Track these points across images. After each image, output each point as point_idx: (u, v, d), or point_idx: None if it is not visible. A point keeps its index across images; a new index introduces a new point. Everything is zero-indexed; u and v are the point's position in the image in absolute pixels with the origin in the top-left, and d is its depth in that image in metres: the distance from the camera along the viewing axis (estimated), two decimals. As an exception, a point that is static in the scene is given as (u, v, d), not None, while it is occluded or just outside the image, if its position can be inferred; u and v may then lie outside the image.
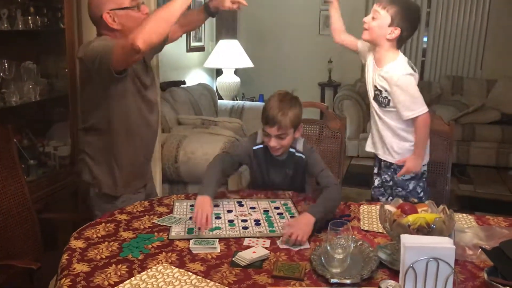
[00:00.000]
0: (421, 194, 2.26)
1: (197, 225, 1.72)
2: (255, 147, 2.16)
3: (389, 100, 2.20)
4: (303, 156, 2.10)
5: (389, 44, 2.19)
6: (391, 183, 2.32)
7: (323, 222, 1.71)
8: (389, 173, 2.31)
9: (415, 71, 2.20)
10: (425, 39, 6.20)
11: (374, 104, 2.28)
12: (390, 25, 2.14)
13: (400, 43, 2.21)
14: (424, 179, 2.29)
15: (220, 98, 5.31)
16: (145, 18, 1.90)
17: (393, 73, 2.15)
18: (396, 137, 2.25)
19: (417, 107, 2.15)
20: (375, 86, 2.24)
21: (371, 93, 2.29)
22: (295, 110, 2.01)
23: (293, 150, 2.12)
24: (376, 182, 2.42)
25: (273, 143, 2.00)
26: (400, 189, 2.28)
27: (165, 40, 2.18)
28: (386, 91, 2.19)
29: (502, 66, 5.87)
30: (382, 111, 2.25)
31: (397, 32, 2.15)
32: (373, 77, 2.27)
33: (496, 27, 5.94)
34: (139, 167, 2.21)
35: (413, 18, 2.21)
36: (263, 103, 2.15)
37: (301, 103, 2.08)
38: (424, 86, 5.97)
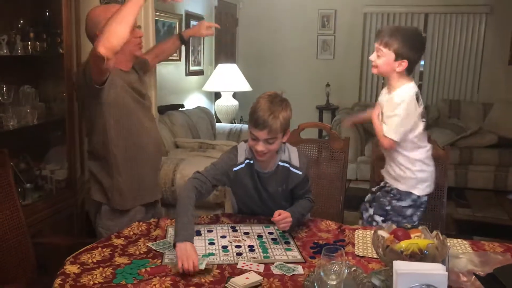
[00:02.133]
0: (416, 223, 2.23)
1: (186, 272, 1.59)
2: (235, 168, 2.02)
3: None
4: (300, 173, 2.02)
5: (399, 74, 2.19)
6: (389, 207, 2.30)
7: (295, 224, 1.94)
8: (388, 198, 2.30)
9: (419, 102, 2.21)
10: (422, 62, 6.27)
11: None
12: (396, 60, 2.14)
13: (409, 70, 2.19)
14: (422, 209, 2.27)
15: (219, 121, 5.34)
16: (107, 24, 1.92)
17: (395, 94, 2.18)
18: (400, 165, 2.25)
19: (394, 132, 2.15)
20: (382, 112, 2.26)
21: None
22: (285, 113, 1.91)
23: (287, 165, 2.02)
24: (367, 198, 2.43)
25: (260, 147, 1.90)
26: (398, 216, 2.27)
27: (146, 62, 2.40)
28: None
29: (498, 90, 5.93)
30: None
31: (404, 64, 2.14)
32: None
33: (492, 51, 6.02)
34: (145, 178, 2.26)
35: (417, 45, 2.20)
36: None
37: (290, 106, 1.97)
38: (421, 109, 6.02)
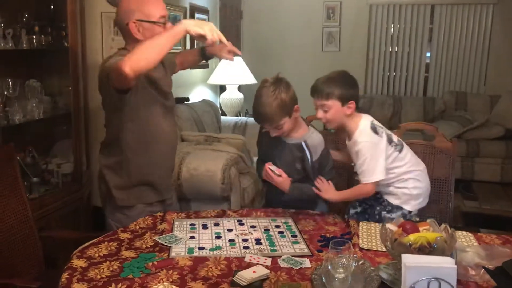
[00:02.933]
0: None
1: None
2: (263, 130, 2.19)
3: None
4: (310, 161, 2.08)
5: (349, 117, 2.11)
6: (377, 216, 2.23)
7: (292, 197, 2.09)
8: (378, 208, 2.24)
9: (379, 132, 2.11)
10: (428, 54, 6.23)
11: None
12: (343, 105, 2.06)
13: (356, 107, 2.13)
14: None
15: (224, 114, 5.32)
16: (138, 44, 1.90)
17: (355, 141, 2.09)
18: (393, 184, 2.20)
19: (371, 174, 2.06)
20: (354, 163, 2.18)
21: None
22: (279, 99, 1.97)
23: (304, 146, 2.09)
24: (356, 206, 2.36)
25: (273, 133, 2.08)
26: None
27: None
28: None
29: (506, 82, 5.86)
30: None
31: (352, 105, 2.07)
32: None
33: (499, 42, 5.95)
34: (153, 178, 2.19)
35: (352, 82, 2.13)
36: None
37: (288, 85, 2.04)
38: (427, 101, 5.98)
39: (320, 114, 2.11)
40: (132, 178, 2.14)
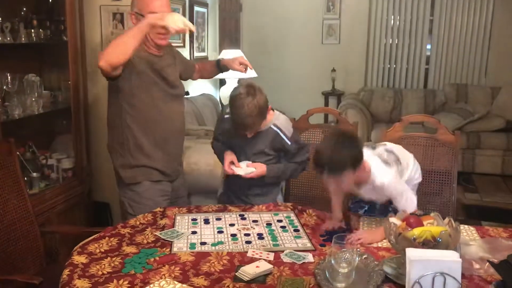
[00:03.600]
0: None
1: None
2: (226, 116, 2.21)
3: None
4: (289, 143, 2.17)
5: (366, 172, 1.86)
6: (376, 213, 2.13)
7: (270, 180, 2.21)
8: (377, 206, 2.14)
9: (389, 161, 1.95)
10: (428, 46, 6.20)
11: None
12: (355, 171, 1.76)
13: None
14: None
15: (224, 108, 5.30)
16: (113, 40, 2.04)
17: (381, 185, 1.86)
18: None
19: (414, 201, 1.89)
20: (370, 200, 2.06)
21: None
22: (257, 106, 2.02)
23: (278, 131, 2.17)
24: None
25: (250, 135, 2.14)
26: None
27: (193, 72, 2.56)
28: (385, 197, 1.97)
29: (506, 74, 5.83)
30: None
31: (365, 165, 1.81)
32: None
33: (500, 34, 5.92)
34: (154, 161, 2.27)
35: (355, 141, 1.82)
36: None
37: (260, 90, 2.07)
38: (428, 94, 5.96)
39: (332, 186, 1.92)
40: (134, 158, 2.25)
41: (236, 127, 2.11)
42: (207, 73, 2.70)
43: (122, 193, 2.32)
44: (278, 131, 2.17)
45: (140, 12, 2.14)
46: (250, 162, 2.18)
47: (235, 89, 2.10)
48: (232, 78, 5.28)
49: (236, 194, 2.31)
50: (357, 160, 1.74)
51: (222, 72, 2.66)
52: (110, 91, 2.25)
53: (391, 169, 1.92)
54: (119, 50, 1.97)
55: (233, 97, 2.07)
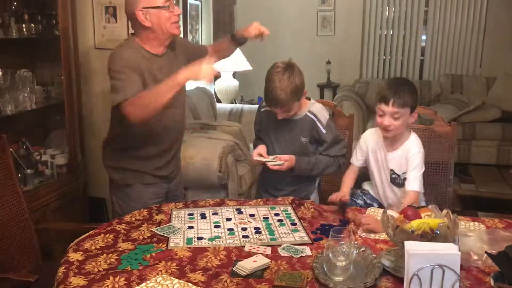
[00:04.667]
0: None
1: None
2: (263, 109, 2.24)
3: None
4: (324, 132, 2.15)
5: (406, 127, 2.10)
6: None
7: (300, 173, 2.16)
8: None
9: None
10: (423, 37, 6.18)
11: (392, 187, 2.17)
12: (410, 113, 2.03)
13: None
14: None
15: (219, 101, 5.27)
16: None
17: (409, 149, 2.07)
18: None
19: (421, 185, 2.07)
20: (392, 171, 2.13)
21: (386, 177, 2.17)
22: (294, 84, 2.03)
23: (314, 118, 2.15)
24: (360, 202, 2.29)
25: (280, 116, 2.13)
26: None
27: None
28: (404, 173, 2.10)
29: (501, 64, 5.83)
30: (401, 191, 2.15)
31: (416, 115, 2.06)
32: (384, 163, 2.16)
33: (494, 24, 5.91)
34: (153, 164, 2.22)
35: (417, 91, 2.09)
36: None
37: (299, 70, 2.08)
38: (423, 85, 5.95)
39: (387, 121, 2.01)
40: (126, 162, 2.20)
41: (268, 102, 2.10)
42: (224, 52, 2.52)
43: (112, 192, 2.28)
44: (314, 118, 2.16)
45: (152, 5, 2.03)
46: (280, 156, 2.13)
47: (273, 65, 2.10)
48: (227, 72, 5.25)
49: (268, 191, 2.29)
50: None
51: (240, 45, 2.51)
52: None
53: (422, 149, 2.09)
54: (152, 107, 1.91)
55: (270, 71, 2.08)
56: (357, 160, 2.25)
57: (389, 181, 2.17)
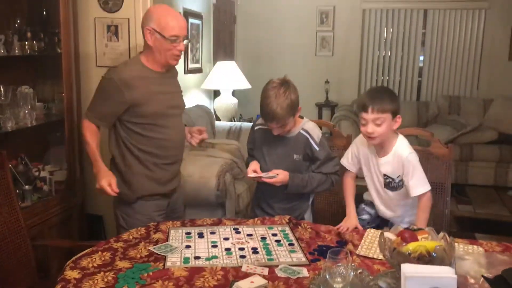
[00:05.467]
0: None
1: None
2: (256, 127, 2.29)
3: (403, 182, 2.14)
4: (318, 149, 2.18)
5: (393, 132, 2.14)
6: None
7: (293, 190, 2.18)
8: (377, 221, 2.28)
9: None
10: (421, 58, 6.25)
11: (386, 191, 2.20)
12: (393, 118, 2.07)
13: None
14: None
15: (218, 119, 5.30)
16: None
17: (400, 154, 2.11)
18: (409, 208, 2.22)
19: (425, 183, 2.11)
20: (385, 175, 2.17)
21: (379, 183, 2.20)
22: (290, 99, 2.07)
23: (307, 135, 2.19)
24: (365, 216, 2.33)
25: (276, 131, 2.15)
26: None
27: None
28: (398, 176, 2.14)
29: (498, 86, 5.90)
30: (395, 195, 2.19)
31: (399, 120, 2.09)
32: (376, 169, 2.19)
33: (491, 47, 5.99)
34: (152, 175, 2.27)
35: (397, 96, 2.15)
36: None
37: (294, 86, 2.12)
38: (421, 106, 6.00)
39: (370, 128, 2.05)
40: (130, 177, 2.25)
41: (264, 116, 2.13)
42: None
43: (116, 206, 2.32)
44: (307, 135, 2.19)
45: (160, 32, 2.12)
46: (274, 170, 2.17)
47: (269, 81, 2.14)
48: (226, 90, 5.29)
49: (261, 207, 2.32)
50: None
51: None
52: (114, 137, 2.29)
53: (412, 149, 2.14)
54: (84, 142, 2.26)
55: (266, 87, 2.12)
56: (347, 161, 2.29)
57: (383, 186, 2.19)
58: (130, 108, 2.16)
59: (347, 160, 2.29)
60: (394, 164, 2.13)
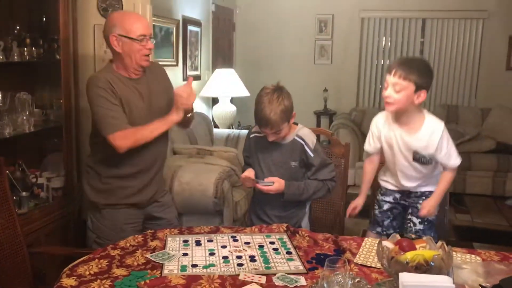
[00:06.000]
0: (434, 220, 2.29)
1: None
2: (252, 135, 2.29)
3: (431, 159, 2.18)
4: (312, 156, 2.18)
5: (417, 108, 2.13)
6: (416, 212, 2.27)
7: (290, 198, 2.18)
8: (423, 198, 2.27)
9: None
10: (419, 68, 6.26)
11: (415, 165, 2.21)
12: (416, 91, 2.05)
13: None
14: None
15: (216, 126, 5.30)
16: (139, 129, 2.15)
17: (434, 130, 2.13)
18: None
19: (458, 155, 2.18)
20: (415, 152, 2.17)
21: (406, 158, 2.20)
22: (283, 105, 2.08)
23: (302, 142, 2.19)
24: (386, 206, 2.36)
25: (270, 138, 2.16)
26: (414, 222, 2.27)
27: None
28: (430, 153, 2.16)
29: (496, 95, 5.92)
30: (426, 168, 2.23)
31: (423, 95, 2.07)
32: (405, 146, 2.19)
33: (489, 56, 6.02)
34: (130, 189, 2.28)
35: (430, 73, 2.13)
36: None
37: (288, 92, 2.13)
38: (419, 114, 6.00)
39: (388, 92, 2.06)
40: (103, 184, 2.29)
41: (259, 122, 2.13)
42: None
43: (88, 206, 2.36)
44: (302, 142, 2.19)
45: (127, 35, 2.14)
46: (269, 178, 2.17)
47: (262, 88, 2.16)
48: (225, 97, 5.30)
49: (258, 215, 2.31)
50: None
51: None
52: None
53: (442, 122, 2.18)
54: (143, 141, 2.14)
55: (260, 94, 2.13)
56: (370, 145, 2.32)
57: (412, 160, 2.19)
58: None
59: (369, 145, 2.33)
60: (427, 140, 2.13)
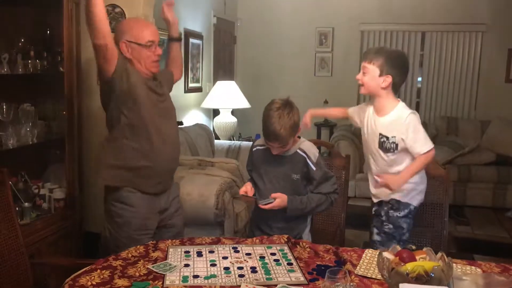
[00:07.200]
0: (406, 233, 2.34)
1: None
2: (255, 148, 2.31)
3: (396, 145, 2.26)
4: (314, 169, 2.19)
5: (386, 92, 2.29)
6: (384, 218, 2.37)
7: (293, 213, 2.18)
8: (385, 208, 2.37)
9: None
10: (419, 79, 6.31)
11: (379, 152, 2.33)
12: (380, 75, 2.26)
13: (395, 89, 2.31)
14: (411, 218, 2.36)
15: (217, 138, 5.33)
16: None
17: (400, 115, 2.25)
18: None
19: (426, 143, 2.24)
20: (380, 134, 2.31)
21: (374, 143, 2.34)
22: (292, 120, 2.11)
23: (304, 155, 2.21)
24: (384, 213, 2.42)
25: (275, 151, 2.18)
26: (390, 225, 2.34)
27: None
28: (393, 137, 2.26)
29: (496, 108, 5.95)
30: (388, 157, 2.31)
31: (388, 79, 2.26)
32: (373, 127, 2.34)
33: (489, 69, 6.06)
34: (142, 167, 2.30)
35: (400, 64, 2.32)
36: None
37: (297, 108, 2.17)
38: (419, 126, 6.03)
39: (359, 75, 2.32)
40: (123, 161, 2.28)
41: (268, 137, 2.15)
42: (175, 59, 2.68)
43: (107, 198, 2.34)
44: (304, 155, 2.21)
45: (136, 41, 2.22)
46: (272, 195, 2.18)
47: (271, 101, 2.18)
48: (226, 109, 5.33)
49: (260, 228, 2.32)
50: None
51: (178, 41, 2.68)
52: (109, 105, 2.28)
53: (412, 110, 2.30)
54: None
55: (269, 107, 2.15)
56: (353, 109, 2.56)
57: (377, 146, 2.31)
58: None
59: (353, 109, 2.54)
60: (392, 123, 2.26)
